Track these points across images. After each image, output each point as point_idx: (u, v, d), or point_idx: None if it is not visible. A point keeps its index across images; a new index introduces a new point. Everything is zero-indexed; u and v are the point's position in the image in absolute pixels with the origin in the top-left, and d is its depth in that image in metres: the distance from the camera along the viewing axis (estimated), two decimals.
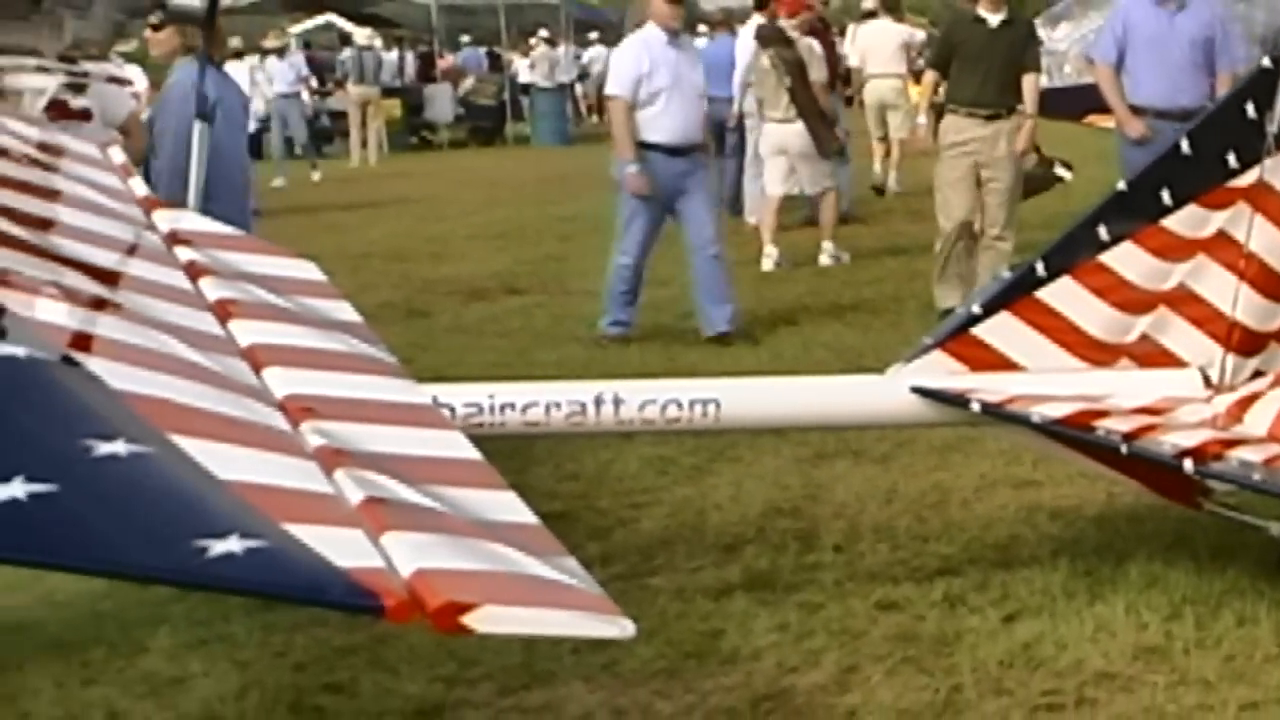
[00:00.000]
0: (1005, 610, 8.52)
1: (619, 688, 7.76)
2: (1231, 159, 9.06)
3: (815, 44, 20.84)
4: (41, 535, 4.12)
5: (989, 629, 8.27)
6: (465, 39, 54.70)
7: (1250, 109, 9.10)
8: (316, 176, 36.83)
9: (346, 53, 42.90)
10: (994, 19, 16.37)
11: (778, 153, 20.11)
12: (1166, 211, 9.08)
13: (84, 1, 7.76)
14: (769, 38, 20.37)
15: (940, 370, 8.95)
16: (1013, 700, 7.48)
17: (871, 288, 18.76)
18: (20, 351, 4.90)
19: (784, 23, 20.56)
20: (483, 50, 53.78)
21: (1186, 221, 9.07)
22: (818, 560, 9.42)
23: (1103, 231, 9.14)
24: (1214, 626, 8.06)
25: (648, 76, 15.71)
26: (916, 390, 8.88)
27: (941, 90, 17.92)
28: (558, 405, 8.42)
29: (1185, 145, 9.30)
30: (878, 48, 27.60)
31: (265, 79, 38.62)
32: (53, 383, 4.79)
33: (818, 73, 20.13)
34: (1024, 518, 10.00)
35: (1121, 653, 7.87)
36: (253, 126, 27.00)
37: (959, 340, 9.06)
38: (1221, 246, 9.06)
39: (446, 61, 50.88)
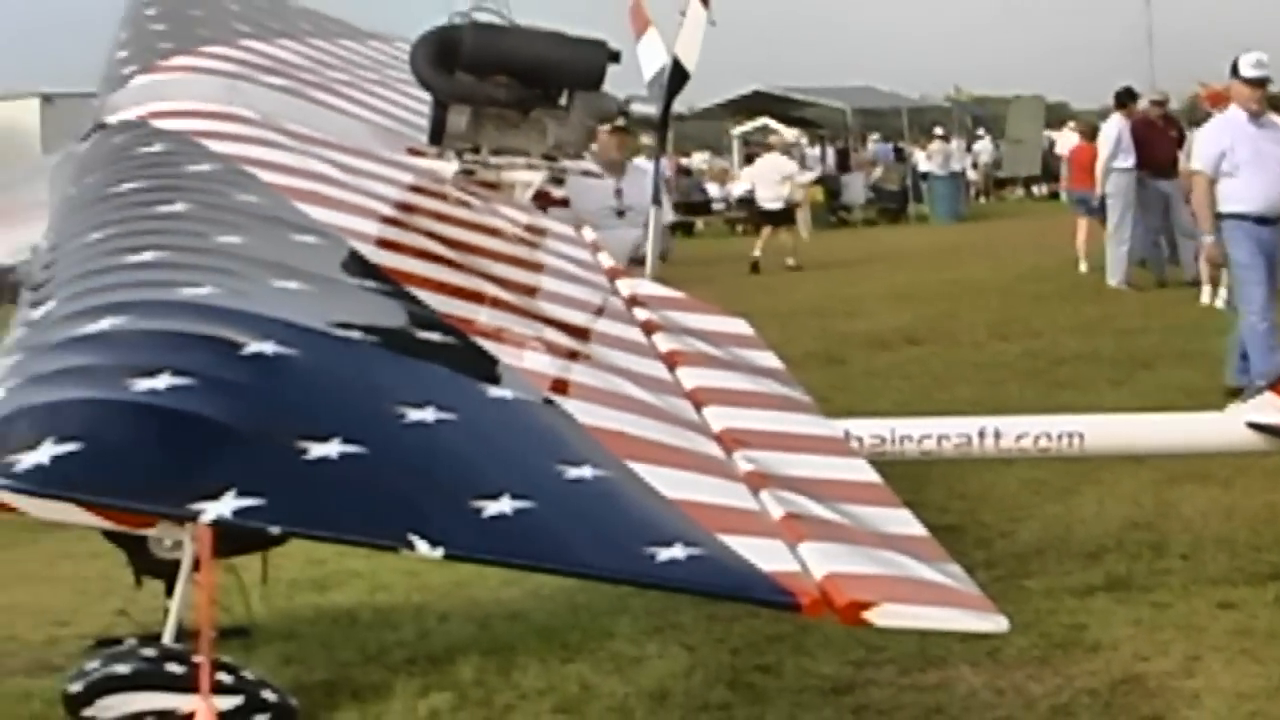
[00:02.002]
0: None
1: (999, 671, 7.67)
2: None
3: None
4: (526, 543, 4.17)
5: None
6: (875, 136, 54.63)
7: None
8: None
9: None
10: None
11: None
12: None
13: (563, 111, 7.83)
14: None
15: (1271, 409, 8.72)
16: None
17: None
18: (509, 394, 4.98)
19: None
20: (889, 145, 53.63)
21: None
22: (1167, 566, 9.32)
23: None
24: None
25: (1229, 151, 14.52)
26: (1251, 425, 8.67)
27: None
28: (947, 437, 8.33)
29: None
30: None
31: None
32: (534, 419, 4.84)
33: None
34: None
35: None
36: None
37: None
38: None
39: (860, 155, 50.80)
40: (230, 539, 7.49)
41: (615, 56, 7.86)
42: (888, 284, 26.70)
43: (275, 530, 4.23)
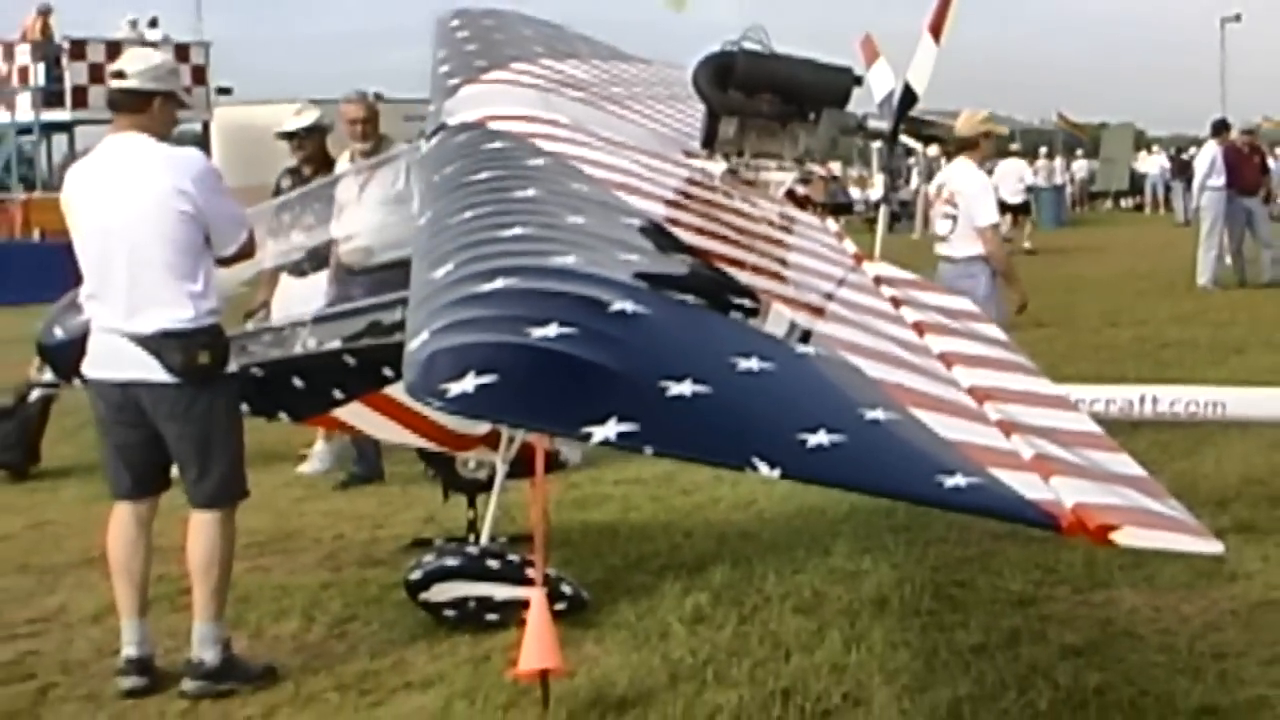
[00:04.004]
0: None
1: (1155, 594, 7.66)
2: None
3: None
4: (841, 469, 4.30)
5: None
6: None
7: None
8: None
9: (911, 159, 42.78)
10: None
11: None
12: None
13: (812, 124, 7.92)
14: None
15: None
16: None
17: None
18: (812, 350, 5.10)
19: None
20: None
21: None
22: None
23: None
24: None
25: None
26: None
27: None
28: (1114, 401, 8.37)
29: None
30: None
31: None
32: (835, 370, 4.94)
33: None
34: None
35: None
36: None
37: None
38: None
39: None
40: (521, 464, 7.71)
41: (859, 81, 7.98)
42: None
43: (648, 451, 4.36)
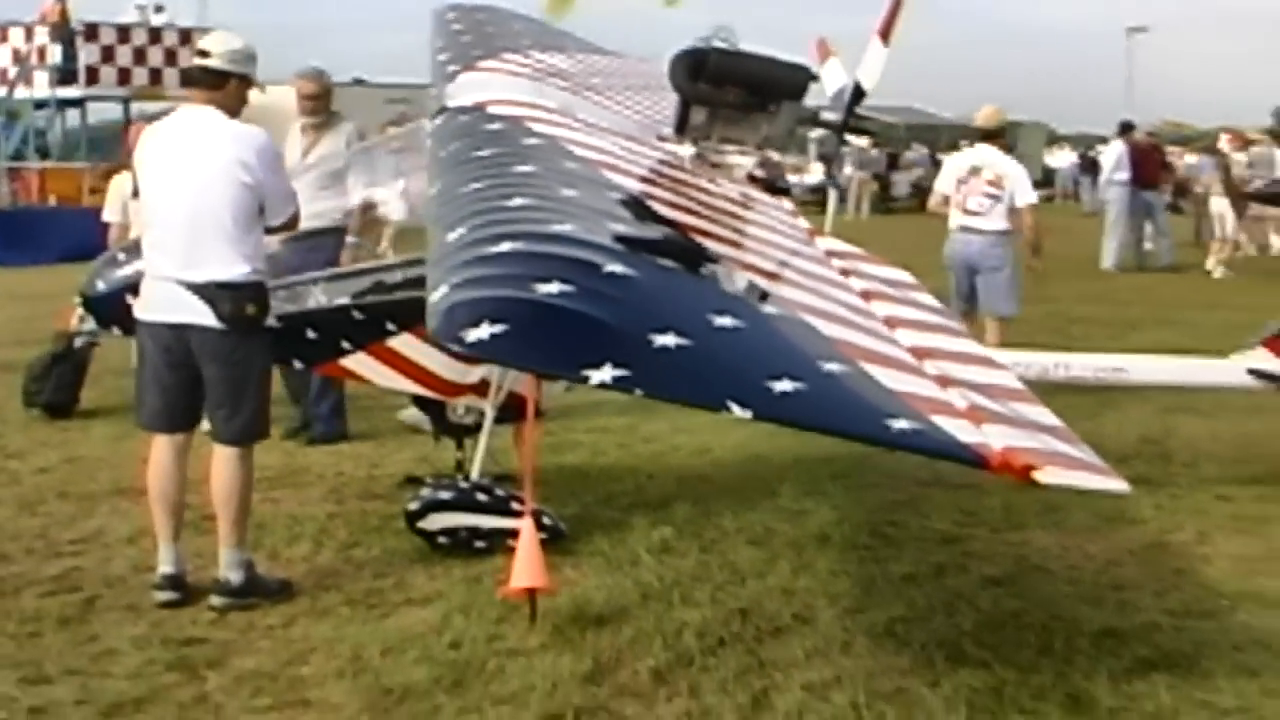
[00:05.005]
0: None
1: (1063, 535, 7.86)
2: None
3: None
4: (804, 412, 4.54)
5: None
6: (916, 145, 54.27)
7: None
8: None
9: (846, 150, 43.10)
10: None
11: None
12: None
13: (773, 115, 8.11)
14: None
15: (1266, 358, 8.92)
16: None
17: None
18: (775, 310, 5.30)
19: None
20: (926, 152, 53.23)
21: None
22: (1175, 471, 9.41)
23: None
24: None
25: None
26: (1251, 371, 8.88)
27: None
28: (1031, 366, 8.52)
29: None
30: None
31: None
32: (796, 328, 5.14)
33: None
34: None
35: None
36: None
37: (1273, 340, 9.00)
38: None
39: (905, 159, 50.41)
40: (510, 410, 7.90)
41: (815, 77, 8.18)
42: (934, 257, 26.62)
43: (638, 393, 4.57)
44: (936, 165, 49.83)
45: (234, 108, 6.65)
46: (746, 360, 4.67)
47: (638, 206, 6.22)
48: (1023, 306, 12.73)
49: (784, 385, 4.46)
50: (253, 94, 6.80)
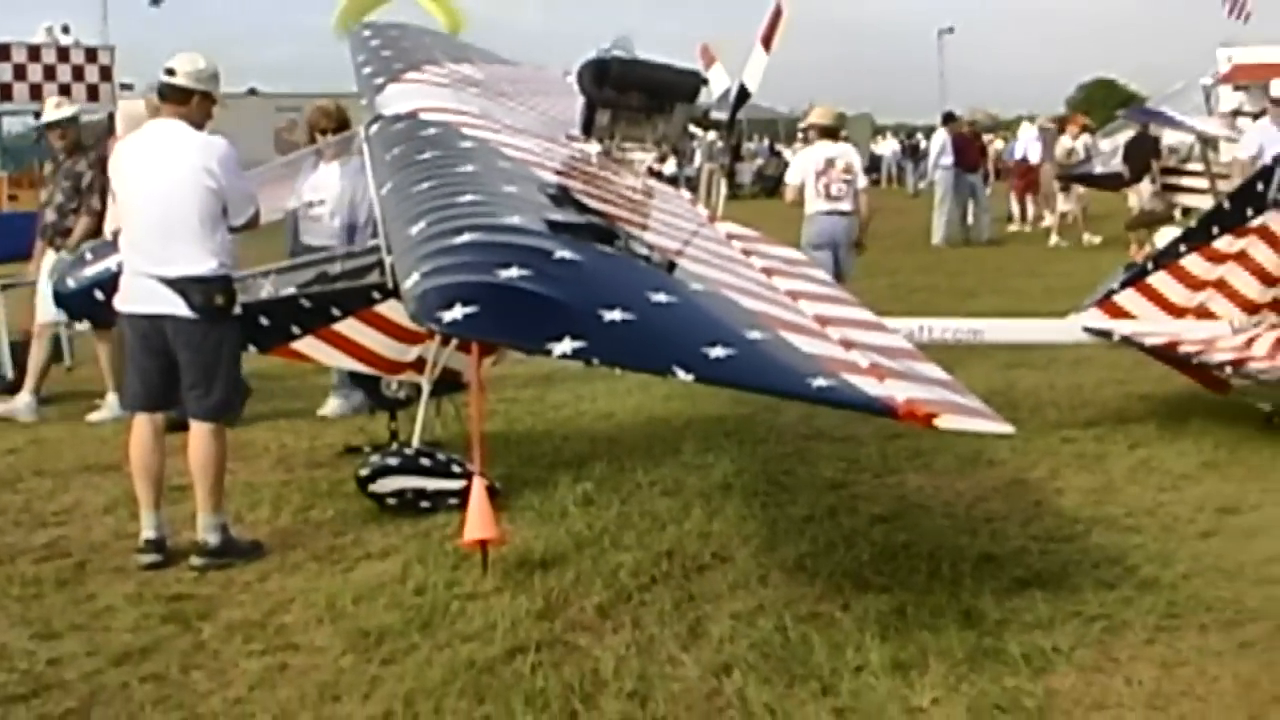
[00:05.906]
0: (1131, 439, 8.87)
1: (933, 476, 8.10)
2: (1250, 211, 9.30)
3: None
4: (737, 374, 4.76)
5: (1120, 451, 8.65)
6: (757, 137, 54.71)
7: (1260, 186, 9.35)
8: None
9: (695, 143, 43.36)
10: None
11: None
12: (1213, 239, 9.32)
13: (668, 116, 8.28)
14: None
15: (1098, 317, 9.26)
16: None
17: None
18: (702, 287, 5.47)
19: None
20: (766, 145, 53.69)
21: (1225, 244, 9.32)
22: (1022, 418, 9.41)
23: (1182, 246, 9.42)
24: None
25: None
26: (1087, 329, 9.23)
27: None
28: (898, 330, 8.74)
29: (1226, 203, 9.58)
30: None
31: None
32: (721, 302, 5.30)
33: None
34: (1121, 395, 10.28)
35: None
36: None
37: (1107, 302, 9.34)
38: (1243, 258, 9.28)
39: (748, 150, 50.84)
40: (446, 384, 8.02)
41: (705, 81, 8.37)
42: (785, 237, 26.91)
43: (595, 362, 4.74)
44: (775, 155, 50.72)
45: (199, 120, 6.73)
46: (684, 331, 4.86)
47: (567, 199, 6.38)
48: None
49: (718, 351, 4.65)
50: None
